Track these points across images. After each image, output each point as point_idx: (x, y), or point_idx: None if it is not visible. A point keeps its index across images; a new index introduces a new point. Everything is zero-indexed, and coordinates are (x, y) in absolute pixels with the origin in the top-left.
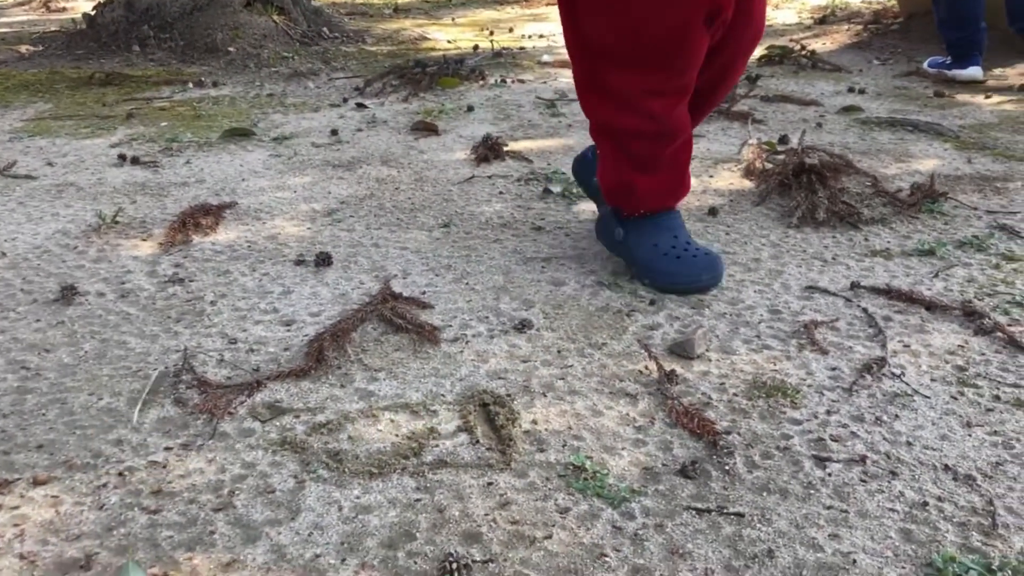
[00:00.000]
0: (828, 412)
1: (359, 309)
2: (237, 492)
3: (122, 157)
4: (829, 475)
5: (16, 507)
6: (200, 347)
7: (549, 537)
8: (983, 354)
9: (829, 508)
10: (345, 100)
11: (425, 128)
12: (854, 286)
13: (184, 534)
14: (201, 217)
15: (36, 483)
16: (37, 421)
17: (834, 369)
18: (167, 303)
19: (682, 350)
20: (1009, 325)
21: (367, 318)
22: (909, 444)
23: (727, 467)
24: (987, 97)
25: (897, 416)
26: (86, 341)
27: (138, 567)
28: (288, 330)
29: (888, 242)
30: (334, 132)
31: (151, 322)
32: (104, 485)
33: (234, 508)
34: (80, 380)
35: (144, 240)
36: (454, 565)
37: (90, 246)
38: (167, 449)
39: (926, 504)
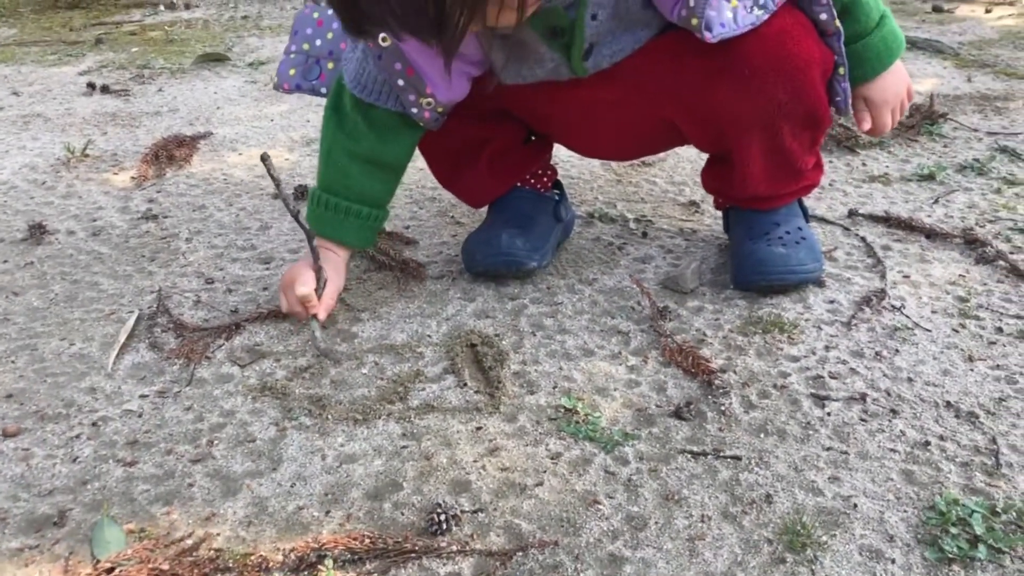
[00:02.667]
0: (827, 348)
1: None
2: (216, 442)
3: (91, 86)
4: (828, 414)
5: None
6: (175, 287)
7: (540, 484)
8: (985, 284)
9: (828, 449)
10: None
11: None
12: (852, 214)
13: (161, 487)
14: (175, 149)
15: (6, 435)
16: (6, 369)
17: (832, 302)
18: (140, 241)
19: (675, 284)
20: (1011, 253)
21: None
22: (910, 380)
23: (723, 408)
24: (988, 11)
25: (897, 351)
26: (56, 283)
27: (113, 522)
28: (267, 268)
29: (886, 167)
30: None
31: (124, 261)
32: (77, 436)
33: (213, 459)
34: (51, 324)
35: (115, 174)
36: (442, 516)
37: (59, 181)
38: (142, 397)
39: (928, 444)
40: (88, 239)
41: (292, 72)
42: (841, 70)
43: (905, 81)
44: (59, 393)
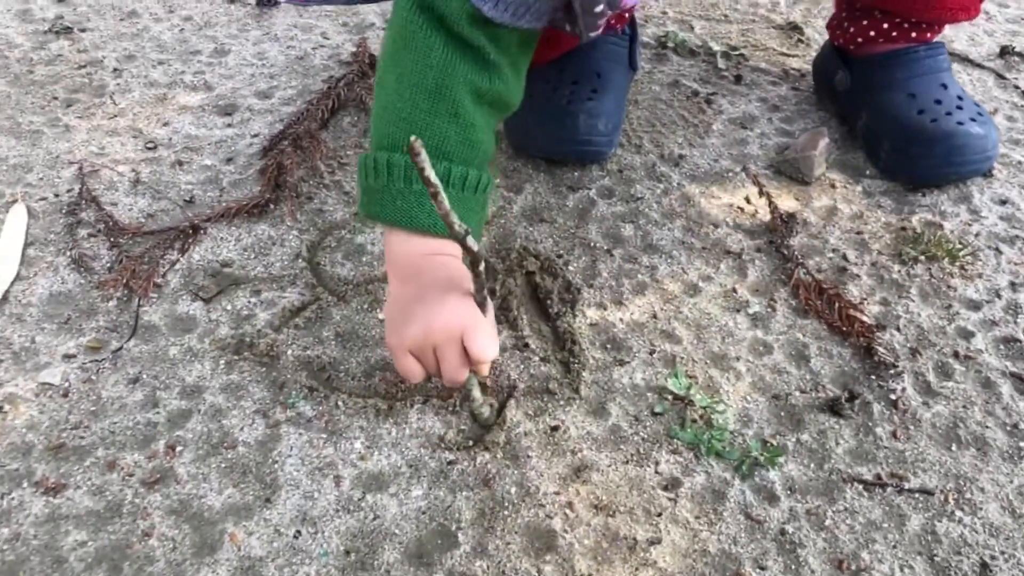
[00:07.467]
0: (1013, 285)
1: (328, 89)
2: (179, 448)
3: None
4: None
5: None
6: (104, 154)
7: (657, 542)
8: None
9: None
10: None
11: None
12: (1004, 52)
13: (99, 539)
14: None
15: None
16: None
17: (1005, 203)
18: (50, 71)
19: (795, 171)
20: None
21: (341, 104)
22: None
23: (894, 396)
24: None
25: None
26: None
27: None
28: (229, 124)
29: None
30: None
31: (29, 107)
32: None
33: (177, 482)
34: None
35: None
36: None
37: None
38: (67, 359)
39: None
40: None
41: None
42: None
43: None
44: None
